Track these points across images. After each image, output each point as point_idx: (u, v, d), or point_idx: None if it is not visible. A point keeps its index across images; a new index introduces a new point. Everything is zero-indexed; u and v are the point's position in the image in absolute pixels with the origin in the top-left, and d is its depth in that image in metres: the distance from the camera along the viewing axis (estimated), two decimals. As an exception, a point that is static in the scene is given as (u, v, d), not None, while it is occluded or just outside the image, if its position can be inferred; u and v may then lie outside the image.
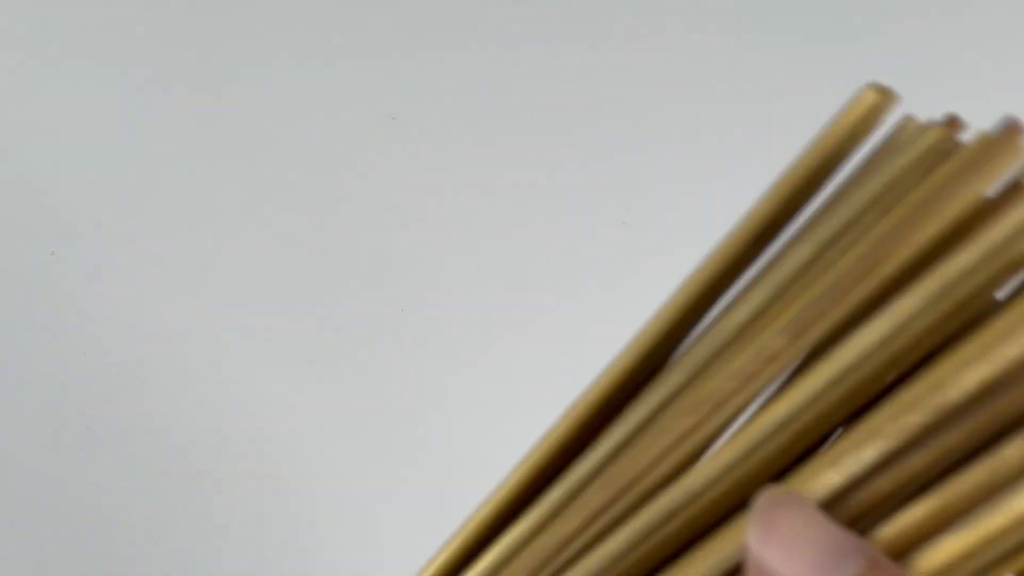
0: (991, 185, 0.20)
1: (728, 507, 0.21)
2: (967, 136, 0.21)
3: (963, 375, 0.19)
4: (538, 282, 0.68)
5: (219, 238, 0.68)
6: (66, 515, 0.65)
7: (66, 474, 0.65)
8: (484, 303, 0.68)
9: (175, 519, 0.66)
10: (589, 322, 0.66)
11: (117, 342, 0.67)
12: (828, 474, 0.20)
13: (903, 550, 0.19)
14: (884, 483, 0.20)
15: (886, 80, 0.22)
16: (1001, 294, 0.20)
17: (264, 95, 0.69)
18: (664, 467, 0.22)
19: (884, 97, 0.22)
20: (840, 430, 0.21)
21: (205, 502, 0.66)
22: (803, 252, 0.22)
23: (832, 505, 0.20)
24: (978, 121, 0.21)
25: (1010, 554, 0.19)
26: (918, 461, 0.19)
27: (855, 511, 0.20)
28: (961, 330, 0.20)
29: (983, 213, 0.20)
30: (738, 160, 0.70)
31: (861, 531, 0.20)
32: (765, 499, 0.20)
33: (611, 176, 0.70)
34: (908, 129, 0.22)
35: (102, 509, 0.66)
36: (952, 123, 0.21)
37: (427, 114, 0.70)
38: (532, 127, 0.70)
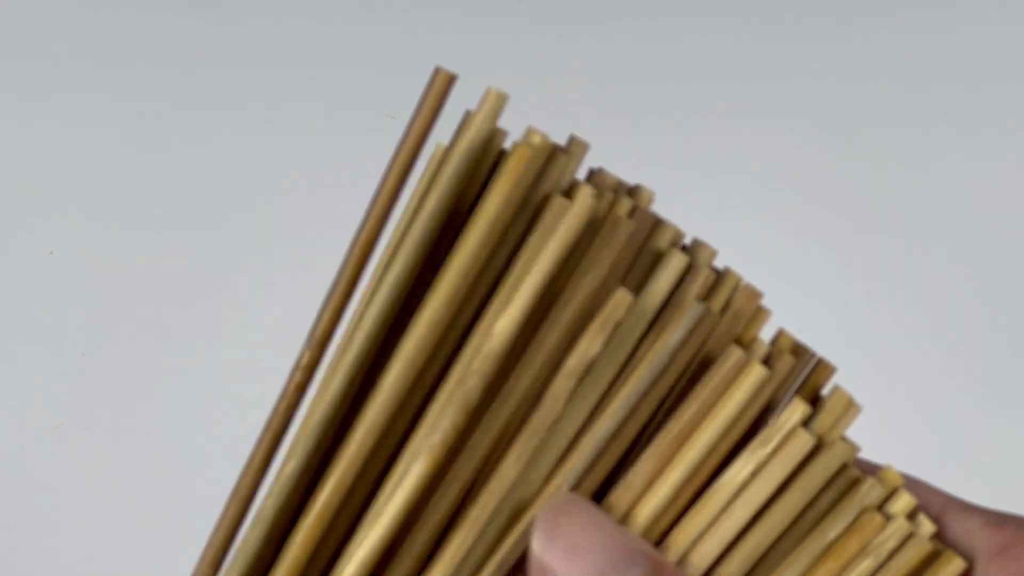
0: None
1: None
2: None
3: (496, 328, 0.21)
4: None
5: (215, 237, 0.68)
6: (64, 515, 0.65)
7: (64, 473, 0.65)
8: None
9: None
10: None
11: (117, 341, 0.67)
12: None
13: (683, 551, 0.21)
14: None
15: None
16: None
17: (262, 94, 0.69)
18: None
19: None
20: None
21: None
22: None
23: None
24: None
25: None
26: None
27: None
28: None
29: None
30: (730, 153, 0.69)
31: None
32: (550, 504, 0.20)
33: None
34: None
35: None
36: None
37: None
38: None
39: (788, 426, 0.20)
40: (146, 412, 0.66)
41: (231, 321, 0.67)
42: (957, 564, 0.21)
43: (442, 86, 0.22)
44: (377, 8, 0.71)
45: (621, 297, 0.21)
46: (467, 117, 0.22)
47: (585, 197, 0.21)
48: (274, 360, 0.67)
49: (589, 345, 0.20)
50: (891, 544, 0.21)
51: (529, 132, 0.22)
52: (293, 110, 0.70)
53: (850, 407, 0.22)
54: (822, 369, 0.23)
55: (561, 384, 0.20)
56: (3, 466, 0.65)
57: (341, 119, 0.70)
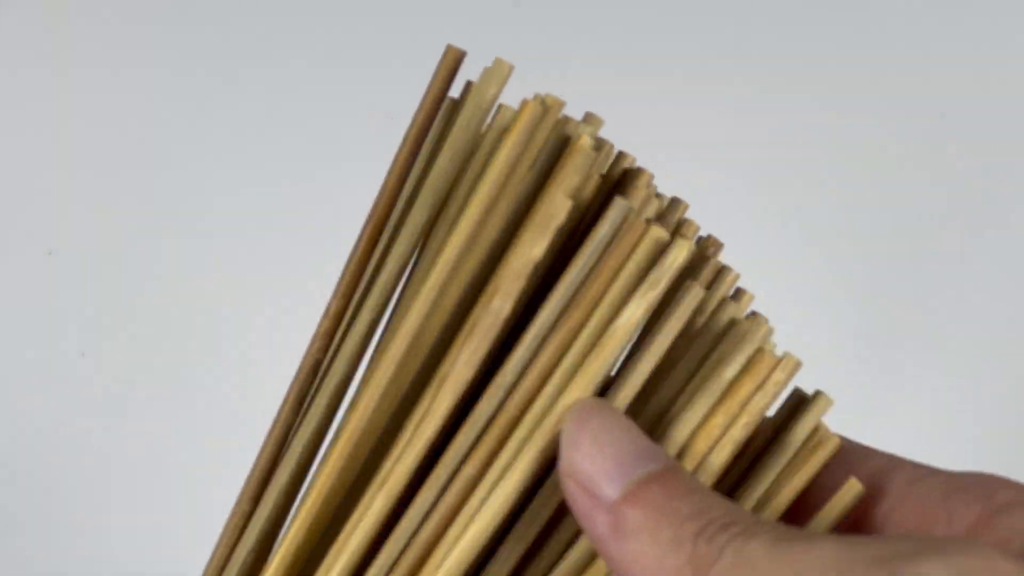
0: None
1: None
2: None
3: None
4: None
5: (215, 237, 0.68)
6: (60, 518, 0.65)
7: (64, 473, 0.65)
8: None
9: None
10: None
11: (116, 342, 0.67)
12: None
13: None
14: None
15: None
16: None
17: (263, 94, 0.69)
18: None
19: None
20: None
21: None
22: None
23: None
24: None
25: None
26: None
27: None
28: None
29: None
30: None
31: None
32: (579, 405, 0.21)
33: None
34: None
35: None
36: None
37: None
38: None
39: (675, 266, 0.21)
40: (146, 412, 0.66)
41: (232, 321, 0.67)
42: (833, 441, 0.23)
43: (452, 63, 0.23)
44: (378, 8, 0.71)
45: (561, 201, 0.21)
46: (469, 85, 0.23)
47: (585, 138, 0.22)
48: (275, 360, 0.67)
49: (530, 248, 0.21)
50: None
51: (546, 95, 0.23)
52: (293, 109, 0.70)
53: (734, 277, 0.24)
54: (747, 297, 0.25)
55: (506, 284, 0.21)
56: (3, 466, 0.65)
57: (342, 118, 0.70)
